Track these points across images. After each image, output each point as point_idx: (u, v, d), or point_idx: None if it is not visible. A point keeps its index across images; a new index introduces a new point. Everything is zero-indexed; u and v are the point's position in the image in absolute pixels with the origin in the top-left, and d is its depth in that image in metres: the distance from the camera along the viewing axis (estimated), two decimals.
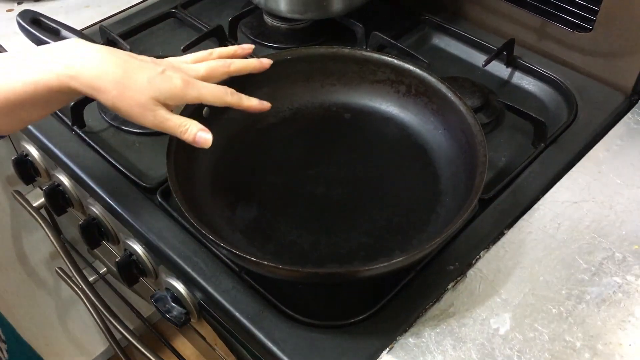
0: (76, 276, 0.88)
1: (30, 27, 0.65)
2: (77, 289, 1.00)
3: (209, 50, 0.63)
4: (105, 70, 0.53)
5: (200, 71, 0.59)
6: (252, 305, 0.60)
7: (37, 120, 0.61)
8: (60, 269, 1.04)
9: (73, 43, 0.55)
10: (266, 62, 0.66)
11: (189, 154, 0.63)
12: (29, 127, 0.77)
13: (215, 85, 0.59)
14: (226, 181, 0.66)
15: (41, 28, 0.66)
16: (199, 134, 0.56)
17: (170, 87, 0.55)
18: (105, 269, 1.05)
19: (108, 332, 1.05)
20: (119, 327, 0.84)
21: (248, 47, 0.66)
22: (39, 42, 0.66)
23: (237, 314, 0.60)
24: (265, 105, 0.64)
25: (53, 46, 0.55)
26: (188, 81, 0.56)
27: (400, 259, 0.52)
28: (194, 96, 0.57)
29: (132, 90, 0.53)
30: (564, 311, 0.59)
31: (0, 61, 0.54)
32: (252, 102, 0.63)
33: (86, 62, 0.53)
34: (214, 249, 0.63)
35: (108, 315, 0.85)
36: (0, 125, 0.56)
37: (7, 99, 0.53)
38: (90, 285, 0.89)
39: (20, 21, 0.65)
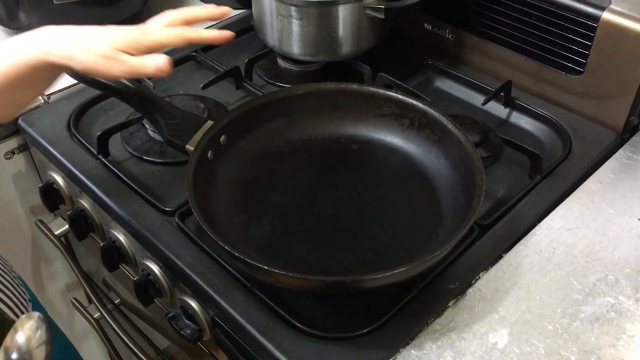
0: (95, 301, 0.92)
1: None
2: (92, 320, 1.04)
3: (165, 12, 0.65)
4: (69, 38, 0.58)
5: (160, 22, 0.62)
6: (262, 317, 0.64)
7: (30, 104, 0.65)
8: (76, 299, 1.08)
9: (41, 28, 0.60)
10: (225, 10, 0.66)
11: (206, 177, 0.69)
12: (57, 155, 0.83)
13: (172, 28, 0.61)
14: (240, 203, 0.70)
15: None
16: (156, 61, 0.58)
17: (128, 36, 0.59)
18: (118, 299, 1.09)
19: None
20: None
21: (226, 9, 0.66)
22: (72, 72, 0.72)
23: (248, 326, 0.63)
24: (226, 34, 0.64)
25: (24, 33, 0.61)
26: (144, 30, 0.60)
27: (403, 269, 0.56)
28: (153, 41, 0.59)
29: (94, 46, 0.58)
30: (559, 328, 0.62)
31: None
32: (212, 33, 0.64)
33: (53, 36, 0.59)
34: (226, 265, 0.67)
35: (128, 341, 0.88)
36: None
37: None
38: (109, 311, 0.92)
39: None
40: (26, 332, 0.46)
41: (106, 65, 0.58)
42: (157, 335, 1.08)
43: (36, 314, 0.47)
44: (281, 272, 0.55)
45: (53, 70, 0.60)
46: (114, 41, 0.58)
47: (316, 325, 0.62)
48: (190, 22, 0.64)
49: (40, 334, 0.47)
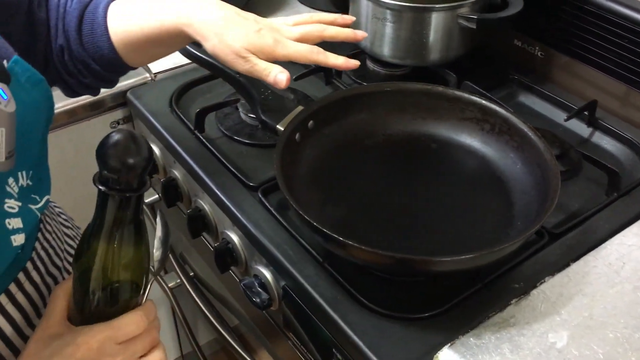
0: (177, 269, 0.98)
1: None
2: (167, 288, 1.11)
3: (310, 14, 0.71)
4: (212, 21, 0.64)
5: (295, 34, 0.67)
6: (330, 290, 0.68)
7: (160, 58, 0.74)
8: (153, 267, 1.15)
9: None
10: (360, 35, 0.72)
11: (292, 156, 0.74)
12: (158, 127, 0.91)
13: (304, 45, 0.66)
14: (320, 184, 0.75)
15: None
16: (278, 76, 0.64)
17: (262, 43, 0.64)
18: (192, 273, 1.15)
19: (191, 336, 1.13)
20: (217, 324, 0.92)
21: (349, 18, 0.73)
22: (186, 52, 0.79)
23: (316, 296, 0.67)
24: (352, 63, 0.68)
25: None
26: (279, 40, 0.65)
27: (471, 256, 0.58)
28: (283, 54, 0.65)
29: (230, 40, 0.64)
30: (621, 337, 0.62)
31: (138, 6, 0.68)
32: (338, 60, 0.68)
33: (198, 13, 0.65)
34: (301, 239, 0.72)
35: (205, 309, 0.92)
36: (132, 59, 0.70)
37: (138, 38, 0.67)
38: (189, 278, 0.98)
39: None
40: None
41: (234, 60, 0.64)
42: (225, 312, 1.14)
43: (159, 233, 0.57)
44: (355, 244, 0.59)
45: (188, 38, 0.67)
46: (249, 43, 0.64)
47: (380, 304, 0.65)
48: (324, 39, 0.69)
49: (158, 254, 0.58)
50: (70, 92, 0.74)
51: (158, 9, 0.67)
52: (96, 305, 0.53)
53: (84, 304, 0.54)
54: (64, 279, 0.64)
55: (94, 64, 0.70)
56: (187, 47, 0.80)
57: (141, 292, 0.55)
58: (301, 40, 0.66)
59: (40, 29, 0.67)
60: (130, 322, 0.53)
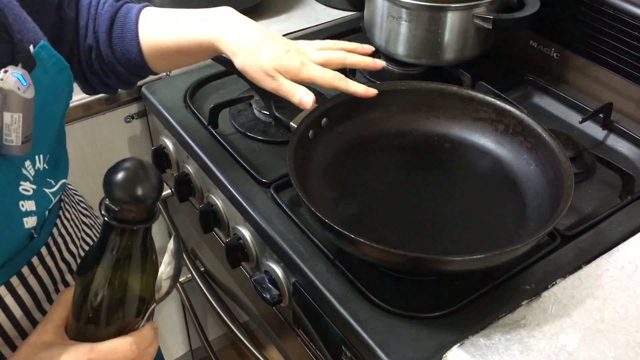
0: (188, 263, 0.99)
1: None
2: (178, 283, 1.11)
3: (334, 41, 0.75)
4: (244, 41, 0.68)
5: (319, 58, 0.70)
6: (341, 288, 0.68)
7: (183, 66, 0.79)
8: None
9: (228, 12, 0.70)
10: (379, 64, 0.75)
11: (305, 153, 0.74)
12: (172, 122, 0.91)
13: (328, 70, 0.70)
14: (333, 181, 0.75)
15: None
16: (304, 97, 0.67)
17: (289, 64, 0.68)
18: (203, 268, 1.16)
19: (201, 331, 1.14)
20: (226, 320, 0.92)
21: (368, 48, 0.76)
22: None
23: (327, 294, 0.67)
24: (371, 91, 0.72)
25: (212, 11, 0.70)
26: (305, 63, 0.68)
27: (482, 256, 0.58)
28: (307, 76, 0.69)
29: (260, 59, 0.67)
30: (632, 341, 0.62)
31: (171, 15, 0.71)
32: (358, 88, 0.72)
33: (232, 31, 0.68)
34: (312, 236, 0.72)
35: (215, 304, 0.93)
36: (157, 65, 0.73)
37: (169, 46, 0.70)
38: (201, 273, 0.99)
39: None
40: (162, 265, 0.53)
41: (262, 77, 0.68)
42: (235, 308, 1.15)
43: (171, 246, 0.54)
44: (367, 242, 0.59)
45: (217, 51, 0.71)
46: (278, 63, 0.68)
47: (391, 302, 0.65)
48: (346, 66, 0.73)
49: (170, 269, 0.53)
50: (89, 90, 0.76)
51: (192, 21, 0.70)
52: (90, 324, 0.53)
53: (79, 318, 0.53)
54: (77, 265, 0.65)
55: (120, 66, 0.72)
56: None
57: (140, 317, 0.54)
58: (324, 64, 0.70)
59: (68, 27, 0.69)
60: (117, 350, 0.53)
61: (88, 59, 0.71)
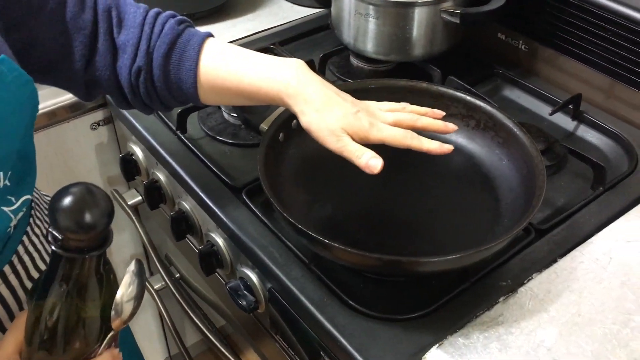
0: (161, 271, 0.97)
1: None
2: (153, 291, 1.09)
3: (403, 104, 0.70)
4: (314, 99, 0.63)
5: (389, 119, 0.66)
6: (317, 293, 0.67)
7: (234, 105, 0.73)
8: None
9: (299, 65, 0.65)
10: (451, 127, 0.69)
11: (276, 156, 0.73)
12: (140, 128, 0.89)
13: (398, 129, 0.65)
14: (305, 184, 0.74)
15: None
16: (371, 161, 0.62)
17: (358, 125, 0.63)
18: (178, 274, 1.14)
19: (178, 338, 1.12)
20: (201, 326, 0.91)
21: (439, 113, 0.71)
22: None
23: (303, 299, 0.66)
24: (446, 148, 0.66)
25: (287, 63, 0.66)
26: (374, 124, 0.64)
27: (458, 256, 0.58)
28: (377, 137, 0.64)
29: (327, 118, 0.63)
30: (609, 333, 0.62)
31: (239, 54, 0.67)
32: (432, 145, 0.65)
33: (304, 89, 0.63)
34: (286, 241, 0.71)
35: (190, 311, 0.91)
36: (208, 99, 0.68)
37: (230, 86, 0.66)
38: (173, 282, 0.97)
39: None
40: (121, 288, 0.51)
41: (327, 137, 0.63)
42: (212, 313, 1.13)
43: (132, 267, 0.51)
44: (341, 247, 0.58)
45: (281, 103, 0.66)
46: (346, 124, 0.63)
47: (368, 305, 0.65)
48: (416, 128, 0.67)
49: (132, 290, 0.51)
50: (124, 105, 0.71)
51: (263, 68, 0.65)
52: (43, 351, 0.51)
53: (32, 344, 0.51)
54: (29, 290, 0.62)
55: (167, 91, 0.68)
56: None
57: (98, 344, 0.52)
58: (394, 126, 0.66)
59: (114, 50, 0.66)
60: None
61: (135, 79, 0.67)
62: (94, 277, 0.48)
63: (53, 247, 0.46)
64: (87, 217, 0.45)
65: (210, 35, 0.68)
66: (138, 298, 0.51)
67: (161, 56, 0.65)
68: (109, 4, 0.65)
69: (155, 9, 0.68)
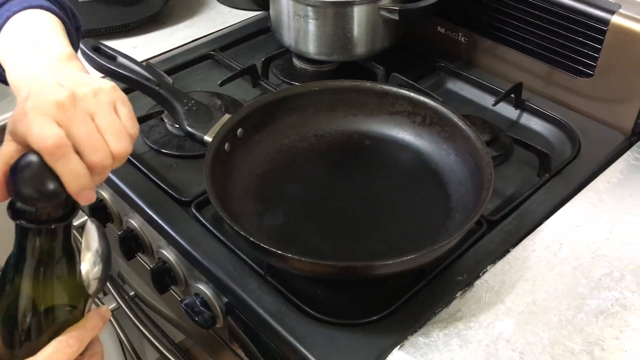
0: (113, 291, 0.94)
1: (92, 53, 0.74)
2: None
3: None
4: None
5: None
6: (275, 304, 0.66)
7: None
8: None
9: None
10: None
11: (223, 167, 0.71)
12: None
13: None
14: (255, 193, 0.73)
15: (100, 54, 0.75)
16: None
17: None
18: (133, 292, 1.11)
19: (137, 357, 1.09)
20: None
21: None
22: (99, 66, 0.75)
23: (261, 311, 0.65)
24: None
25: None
26: None
27: (412, 256, 0.58)
28: None
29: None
30: (564, 319, 0.63)
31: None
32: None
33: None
34: (240, 253, 0.70)
35: (145, 331, 0.89)
36: None
37: None
38: (126, 302, 0.94)
39: (84, 48, 0.75)
40: (85, 265, 0.49)
41: None
42: (170, 328, 1.10)
43: (92, 231, 0.50)
44: (294, 256, 0.57)
45: None
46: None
47: (327, 312, 0.64)
48: None
49: (97, 270, 0.50)
50: None
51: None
52: (24, 340, 0.49)
53: (12, 336, 0.49)
54: None
55: None
56: (99, 60, 0.75)
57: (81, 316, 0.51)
58: None
59: None
60: (53, 353, 0.48)
61: None
62: (63, 252, 0.47)
63: (18, 222, 0.44)
64: (51, 183, 0.43)
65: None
66: (105, 259, 0.51)
67: None
68: None
69: None
